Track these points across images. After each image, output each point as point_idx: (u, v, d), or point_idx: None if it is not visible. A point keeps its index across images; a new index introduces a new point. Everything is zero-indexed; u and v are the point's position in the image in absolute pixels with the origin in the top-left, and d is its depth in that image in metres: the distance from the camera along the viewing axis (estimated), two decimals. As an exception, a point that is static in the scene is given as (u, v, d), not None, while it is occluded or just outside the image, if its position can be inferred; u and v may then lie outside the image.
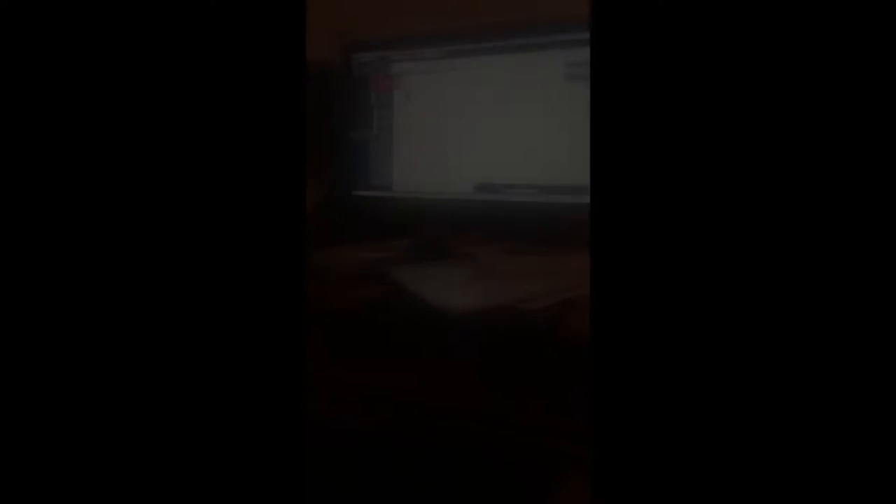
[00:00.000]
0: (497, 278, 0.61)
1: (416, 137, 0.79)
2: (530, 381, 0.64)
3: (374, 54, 0.80)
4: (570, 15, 0.65)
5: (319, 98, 0.71)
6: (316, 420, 0.76)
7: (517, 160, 0.73)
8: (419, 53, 0.77)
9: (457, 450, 0.67)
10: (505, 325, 0.54)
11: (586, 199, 0.33)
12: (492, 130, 0.74)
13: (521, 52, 0.71)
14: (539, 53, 0.70)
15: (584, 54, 0.53)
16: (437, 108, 0.77)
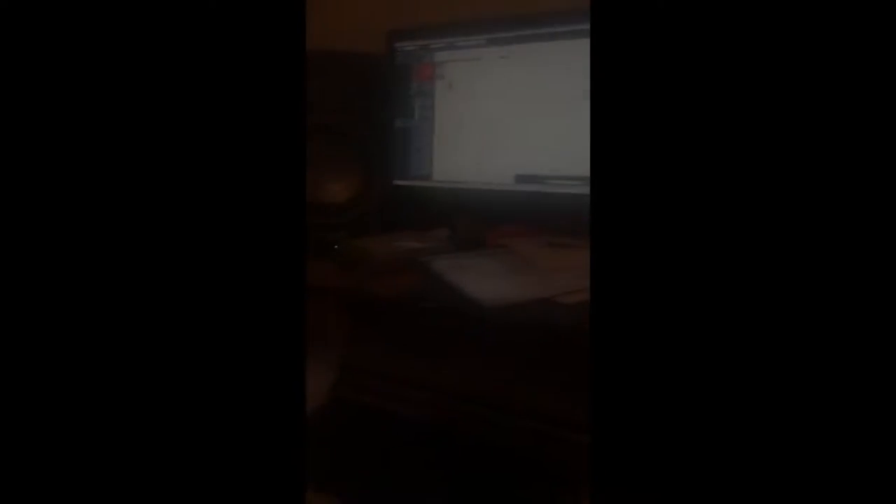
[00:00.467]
0: (535, 271, 0.60)
1: (456, 127, 0.78)
2: (563, 375, 0.63)
3: (417, 43, 0.79)
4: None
5: (362, 87, 0.72)
6: (347, 401, 0.77)
7: (558, 151, 0.72)
8: (461, 42, 0.77)
9: (482, 438, 0.67)
10: (541, 319, 0.54)
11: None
12: (533, 120, 0.73)
13: (563, 40, 0.70)
14: (582, 42, 0.68)
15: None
16: (479, 98, 0.76)
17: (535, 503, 0.60)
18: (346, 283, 0.66)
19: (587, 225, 0.33)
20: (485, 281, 0.58)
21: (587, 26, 0.67)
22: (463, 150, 0.78)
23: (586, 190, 0.69)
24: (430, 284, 0.60)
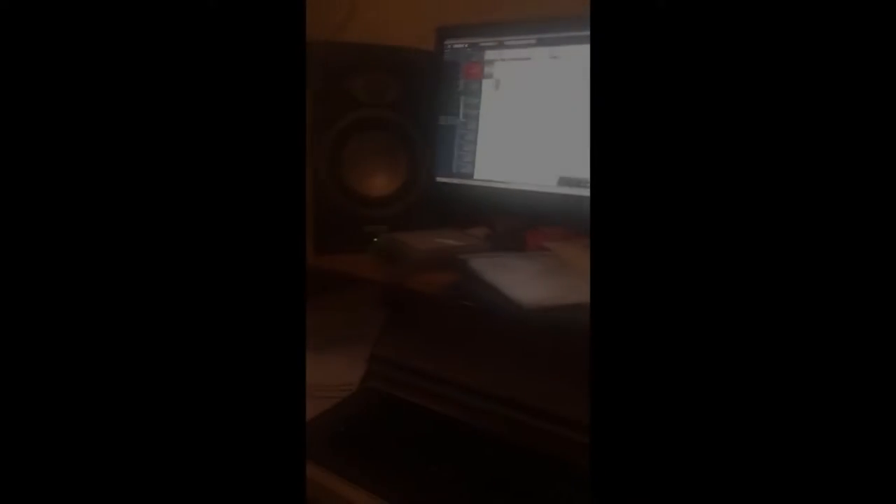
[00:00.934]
0: (573, 275, 0.60)
1: (501, 126, 0.78)
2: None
3: (467, 41, 0.80)
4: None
5: (410, 83, 0.72)
6: (376, 392, 0.78)
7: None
8: (511, 41, 0.76)
9: (509, 439, 0.67)
10: (577, 323, 0.53)
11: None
12: (578, 123, 0.72)
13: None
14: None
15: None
16: (526, 97, 0.76)
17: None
18: (384, 276, 0.67)
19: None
20: (522, 282, 0.58)
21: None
22: (506, 150, 0.78)
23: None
24: (468, 282, 0.60)
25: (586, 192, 0.72)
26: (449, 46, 0.81)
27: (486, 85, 0.79)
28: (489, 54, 0.78)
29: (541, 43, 0.74)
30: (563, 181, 0.73)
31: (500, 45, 0.77)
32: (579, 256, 0.63)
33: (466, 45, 0.80)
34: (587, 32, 0.70)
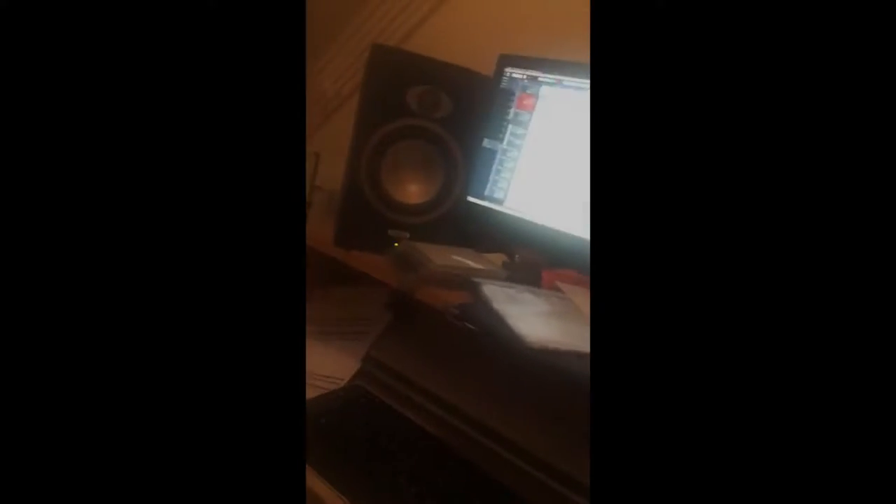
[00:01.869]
0: (580, 321, 0.60)
1: (540, 161, 0.79)
2: (580, 433, 0.62)
3: (526, 73, 0.81)
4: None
5: (463, 102, 0.74)
6: (363, 392, 0.78)
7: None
8: (569, 82, 0.77)
9: (484, 470, 0.66)
10: (574, 371, 0.53)
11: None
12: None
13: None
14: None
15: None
16: (570, 139, 0.76)
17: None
18: (397, 282, 0.68)
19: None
20: (531, 318, 0.58)
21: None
22: (540, 185, 0.79)
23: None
24: (476, 306, 0.61)
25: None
26: (508, 74, 0.83)
27: (536, 117, 0.80)
28: (545, 90, 0.79)
29: (597, 90, 0.75)
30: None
31: (559, 84, 0.78)
32: (588, 303, 0.64)
33: (525, 77, 0.81)
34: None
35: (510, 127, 0.82)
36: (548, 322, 0.59)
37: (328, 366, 0.82)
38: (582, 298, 0.65)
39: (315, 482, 0.60)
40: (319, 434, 0.68)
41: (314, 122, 1.21)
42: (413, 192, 0.76)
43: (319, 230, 0.81)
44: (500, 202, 0.82)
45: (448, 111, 0.73)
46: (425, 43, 1.01)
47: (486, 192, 0.84)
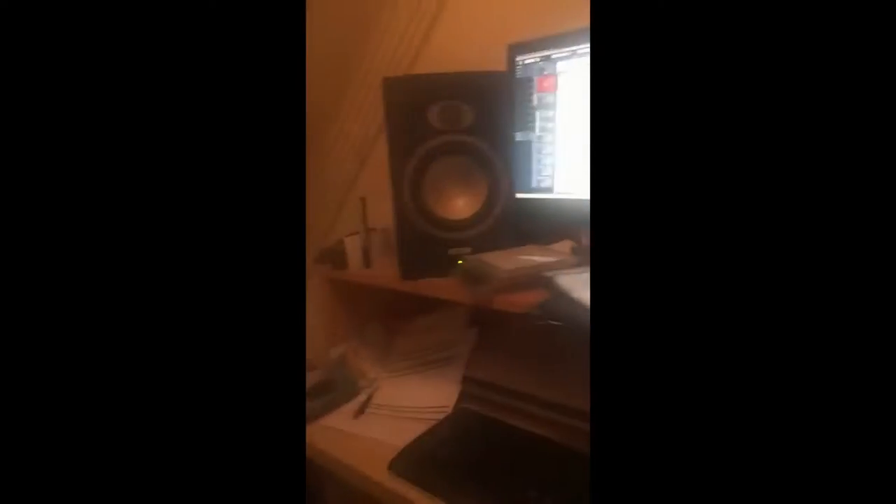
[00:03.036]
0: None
1: (578, 137, 0.76)
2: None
3: (538, 55, 0.79)
4: None
5: (485, 104, 0.73)
6: (470, 413, 0.77)
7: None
8: (582, 50, 0.75)
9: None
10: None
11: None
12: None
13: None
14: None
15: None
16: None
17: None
18: (471, 298, 0.67)
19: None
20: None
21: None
22: (585, 161, 0.76)
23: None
24: (556, 300, 0.59)
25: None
26: (521, 62, 0.81)
27: (561, 96, 0.78)
28: (561, 66, 0.77)
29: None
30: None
31: (573, 55, 0.76)
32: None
33: (538, 59, 0.79)
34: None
35: (538, 113, 0.80)
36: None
37: (430, 396, 0.82)
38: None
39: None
40: (439, 466, 0.68)
41: (351, 169, 1.25)
42: (461, 206, 0.76)
43: (384, 269, 0.83)
44: (549, 190, 0.80)
45: (471, 119, 0.72)
46: (435, 57, 1.02)
47: (534, 185, 0.82)
